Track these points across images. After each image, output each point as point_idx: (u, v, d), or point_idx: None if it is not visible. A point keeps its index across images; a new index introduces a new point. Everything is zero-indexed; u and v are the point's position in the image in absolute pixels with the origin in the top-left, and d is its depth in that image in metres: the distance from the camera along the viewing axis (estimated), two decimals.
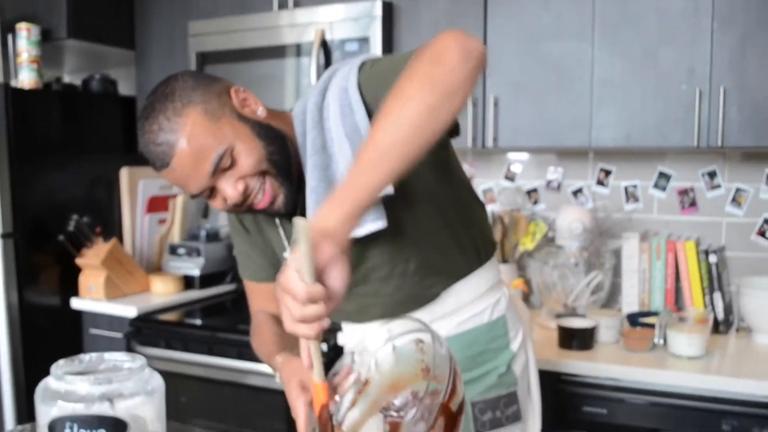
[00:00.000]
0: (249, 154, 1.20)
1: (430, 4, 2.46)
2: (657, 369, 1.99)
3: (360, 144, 1.14)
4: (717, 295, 2.31)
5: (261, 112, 1.26)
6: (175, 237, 3.19)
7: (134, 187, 3.11)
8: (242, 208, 1.26)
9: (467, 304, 1.38)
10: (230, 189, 1.21)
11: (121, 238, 3.08)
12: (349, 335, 1.52)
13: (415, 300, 1.35)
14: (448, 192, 1.34)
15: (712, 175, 2.49)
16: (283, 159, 1.25)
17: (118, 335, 2.75)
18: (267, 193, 1.23)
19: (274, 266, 1.47)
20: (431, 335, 0.96)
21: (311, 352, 1.00)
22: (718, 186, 2.48)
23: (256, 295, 1.54)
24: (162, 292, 2.96)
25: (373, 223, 1.20)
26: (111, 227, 3.08)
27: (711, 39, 2.12)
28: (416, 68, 1.01)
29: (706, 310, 2.26)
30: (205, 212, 3.19)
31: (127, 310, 2.74)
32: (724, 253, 2.42)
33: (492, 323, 1.41)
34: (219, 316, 2.89)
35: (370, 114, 1.20)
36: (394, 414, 1.03)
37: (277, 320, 1.49)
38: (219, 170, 1.19)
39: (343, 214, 0.96)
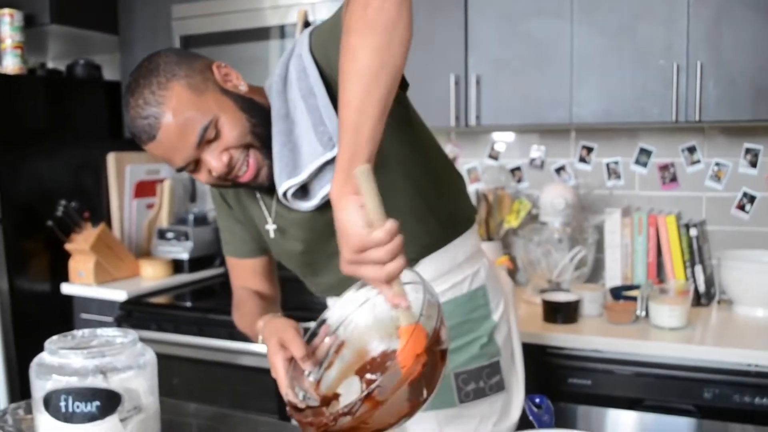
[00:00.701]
0: (233, 126, 1.23)
1: None
2: (640, 340, 2.03)
3: (314, 105, 1.21)
4: (698, 268, 2.35)
5: (243, 87, 1.29)
6: (164, 221, 3.20)
7: (121, 172, 3.12)
8: (227, 181, 1.28)
9: (445, 274, 1.39)
10: (215, 161, 1.24)
11: (109, 223, 3.10)
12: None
13: None
14: (416, 159, 1.35)
15: (691, 150, 2.53)
16: (266, 132, 1.28)
17: (109, 319, 2.77)
18: (251, 165, 1.27)
19: (256, 242, 1.51)
20: (423, 284, 0.97)
21: (399, 291, 0.97)
22: (698, 161, 2.52)
23: (239, 271, 1.57)
24: (151, 276, 2.98)
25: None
26: (99, 212, 3.09)
27: (687, 14, 2.14)
28: (351, 20, 1.02)
29: (687, 282, 2.30)
30: (193, 196, 3.21)
31: (117, 294, 2.75)
32: (704, 226, 2.46)
33: (472, 293, 1.42)
34: (208, 298, 2.92)
35: (323, 74, 1.24)
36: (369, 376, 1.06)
37: (260, 295, 1.53)
38: (204, 142, 1.22)
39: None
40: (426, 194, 1.35)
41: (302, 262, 1.44)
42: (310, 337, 1.16)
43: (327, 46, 1.22)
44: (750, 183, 2.46)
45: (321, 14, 2.55)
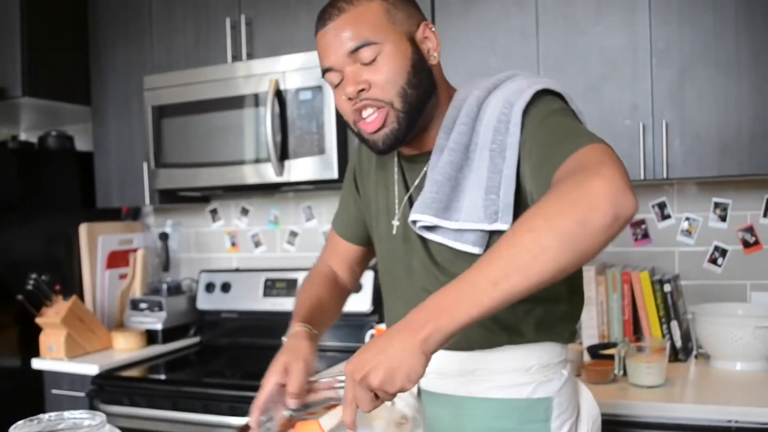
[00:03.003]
0: (391, 68, 1.21)
1: None
2: (618, 399, 2.01)
3: (499, 167, 1.17)
4: (674, 324, 2.35)
5: (433, 59, 1.27)
6: (137, 291, 3.16)
7: (93, 242, 3.09)
8: (350, 114, 1.26)
9: (507, 372, 1.26)
10: (350, 84, 1.21)
11: (81, 295, 3.05)
12: None
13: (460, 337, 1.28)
14: None
15: (662, 206, 2.55)
16: (414, 107, 1.24)
17: (81, 394, 2.71)
18: (377, 117, 1.23)
19: (361, 231, 1.54)
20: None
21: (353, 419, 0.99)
22: (669, 216, 2.55)
23: (333, 246, 1.61)
24: (124, 348, 2.92)
25: (472, 246, 1.20)
26: (71, 284, 3.05)
27: (651, 74, 2.20)
28: (559, 214, 0.91)
29: (663, 339, 2.30)
30: (166, 266, 3.18)
31: (89, 368, 2.69)
32: (678, 281, 2.47)
33: (531, 402, 1.25)
34: (183, 369, 2.86)
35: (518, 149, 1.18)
36: None
37: (336, 281, 1.56)
38: (356, 55, 1.21)
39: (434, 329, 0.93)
40: (537, 300, 1.21)
41: (384, 270, 1.44)
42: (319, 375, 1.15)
43: (533, 144, 1.13)
44: (721, 237, 2.49)
45: (292, 83, 2.58)
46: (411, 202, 1.32)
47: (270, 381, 1.17)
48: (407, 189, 1.35)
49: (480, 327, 1.21)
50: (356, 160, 1.54)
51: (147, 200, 2.99)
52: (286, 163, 2.60)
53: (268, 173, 2.64)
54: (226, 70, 2.72)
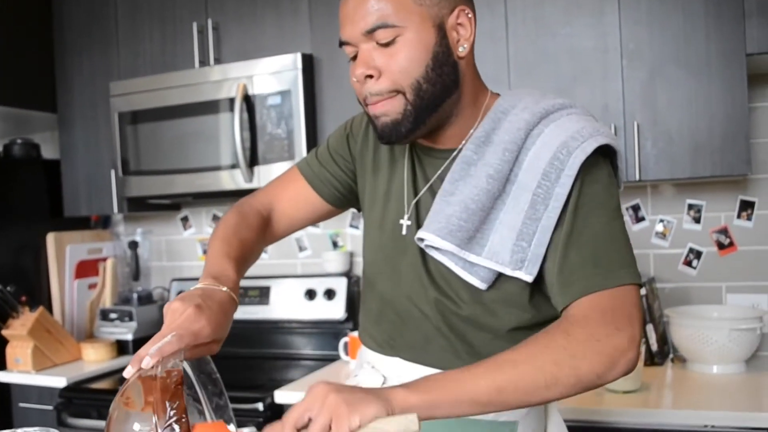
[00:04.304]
0: (405, 60, 1.12)
1: None
2: (594, 406, 1.98)
3: (538, 215, 1.10)
4: (650, 327, 2.33)
5: (462, 50, 1.16)
6: (107, 301, 3.10)
7: (61, 252, 3.03)
8: (360, 93, 1.17)
9: None
10: (360, 65, 1.13)
11: (50, 306, 2.99)
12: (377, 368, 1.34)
13: (439, 350, 1.23)
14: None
15: (636, 208, 2.53)
16: (426, 103, 1.14)
17: (49, 407, 2.65)
18: (383, 104, 1.14)
19: (335, 194, 1.42)
20: None
21: None
22: (643, 218, 2.53)
23: (292, 190, 1.44)
24: (94, 359, 2.86)
25: (480, 281, 1.15)
26: (39, 295, 2.98)
27: (621, 75, 2.17)
28: (583, 359, 0.97)
29: None
30: (136, 275, 3.12)
31: (57, 380, 2.63)
32: (653, 284, 2.45)
33: (496, 425, 1.20)
34: None
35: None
36: None
37: (263, 229, 1.39)
38: (373, 35, 1.12)
39: (422, 400, 0.91)
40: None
41: (369, 261, 1.36)
42: None
43: (577, 222, 1.10)
44: (695, 239, 2.47)
45: (260, 87, 2.53)
46: (415, 200, 1.26)
47: (163, 330, 1.02)
48: (415, 185, 1.27)
49: (455, 357, 1.19)
50: (358, 125, 1.41)
51: (115, 208, 2.93)
52: (256, 169, 2.56)
53: (238, 179, 2.59)
54: (193, 76, 2.67)
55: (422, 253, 1.22)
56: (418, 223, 1.24)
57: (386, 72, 1.12)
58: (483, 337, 1.19)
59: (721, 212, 2.45)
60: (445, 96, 1.15)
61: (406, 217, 1.26)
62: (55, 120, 3.10)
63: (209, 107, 2.64)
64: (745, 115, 2.07)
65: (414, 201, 1.26)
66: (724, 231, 2.44)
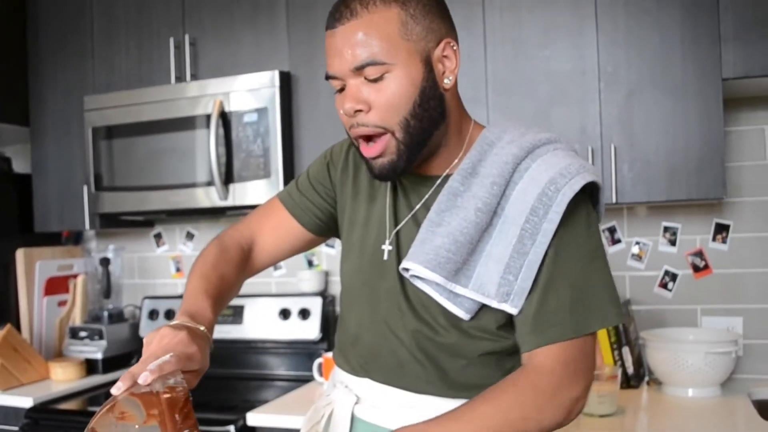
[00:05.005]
0: (394, 96, 1.13)
1: None
2: (572, 430, 1.96)
3: (525, 250, 1.11)
4: (625, 350, 2.32)
5: (447, 82, 1.17)
6: (77, 319, 3.04)
7: (31, 268, 2.96)
8: (347, 123, 1.17)
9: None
10: (349, 100, 1.14)
11: (17, 324, 2.92)
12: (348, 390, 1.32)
13: (413, 375, 1.22)
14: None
15: (612, 230, 2.54)
16: (417, 139, 1.16)
17: (15, 428, 2.57)
18: (376, 146, 1.16)
19: (323, 220, 1.41)
20: None
21: None
22: (619, 241, 2.53)
23: (274, 220, 1.44)
24: (62, 378, 2.80)
25: (465, 312, 1.15)
26: (6, 312, 2.92)
27: (599, 98, 2.18)
28: (545, 411, 1.09)
29: (615, 366, 2.27)
30: (107, 292, 3.06)
31: (23, 401, 2.56)
32: (629, 306, 2.45)
33: None
34: None
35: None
36: None
37: (243, 262, 1.40)
38: (362, 72, 1.12)
39: None
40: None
41: (346, 285, 1.35)
42: None
43: (559, 263, 1.12)
44: (671, 261, 2.48)
45: (237, 104, 2.51)
46: (397, 227, 1.26)
47: (140, 366, 1.04)
48: (396, 211, 1.27)
49: (427, 383, 1.20)
50: (338, 153, 1.42)
51: (87, 224, 2.88)
52: (231, 186, 2.53)
53: (213, 197, 2.56)
54: (169, 91, 2.64)
55: (401, 278, 1.22)
56: (398, 249, 1.24)
57: (375, 106, 1.14)
58: (457, 363, 1.19)
59: (697, 235, 2.45)
60: (432, 129, 1.17)
61: (387, 242, 1.26)
62: (27, 133, 3.04)
63: (185, 123, 2.60)
64: (721, 139, 2.08)
65: (397, 228, 1.26)
66: (700, 254, 2.45)
